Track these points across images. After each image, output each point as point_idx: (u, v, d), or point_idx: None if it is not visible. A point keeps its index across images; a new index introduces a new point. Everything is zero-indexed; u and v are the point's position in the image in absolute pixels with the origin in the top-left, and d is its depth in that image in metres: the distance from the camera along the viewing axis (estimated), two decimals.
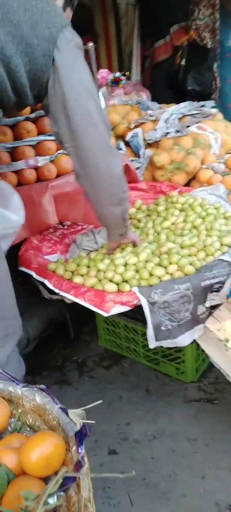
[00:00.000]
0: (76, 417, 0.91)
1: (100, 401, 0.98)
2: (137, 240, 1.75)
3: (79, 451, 0.84)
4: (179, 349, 1.86)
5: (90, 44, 2.37)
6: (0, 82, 1.15)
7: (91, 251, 2.02)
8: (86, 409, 0.94)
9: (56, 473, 0.87)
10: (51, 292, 1.59)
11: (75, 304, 1.56)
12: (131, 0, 4.43)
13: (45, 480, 0.84)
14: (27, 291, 1.84)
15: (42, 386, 0.98)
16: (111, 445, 1.66)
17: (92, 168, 1.34)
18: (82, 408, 0.93)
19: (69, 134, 1.27)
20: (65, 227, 2.10)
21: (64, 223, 2.10)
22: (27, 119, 1.69)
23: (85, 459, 0.84)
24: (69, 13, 1.52)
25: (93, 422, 0.89)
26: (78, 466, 0.82)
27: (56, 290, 1.56)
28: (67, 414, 0.93)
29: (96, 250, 1.99)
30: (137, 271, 1.59)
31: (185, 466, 1.55)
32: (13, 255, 1.83)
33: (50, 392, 0.98)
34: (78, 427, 0.89)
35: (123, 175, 1.48)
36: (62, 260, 1.75)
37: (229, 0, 3.21)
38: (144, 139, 2.56)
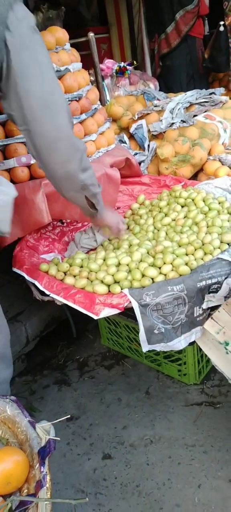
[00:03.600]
0: (44, 432, 0.88)
1: (68, 416, 0.94)
2: (113, 226, 1.71)
3: (42, 470, 0.80)
4: (180, 350, 1.79)
5: (91, 34, 2.30)
6: None
7: (90, 249, 1.98)
8: (56, 423, 0.91)
9: (20, 490, 0.84)
10: (43, 293, 1.56)
11: None
12: None
13: (6, 497, 0.81)
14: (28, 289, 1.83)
15: (13, 398, 0.95)
16: (107, 449, 1.62)
17: (46, 157, 1.25)
18: (52, 423, 0.89)
19: (21, 117, 1.20)
20: (65, 224, 2.07)
21: (63, 221, 2.06)
22: None
23: (48, 478, 0.80)
24: None
25: (58, 439, 0.85)
26: (39, 486, 0.78)
27: (47, 292, 1.53)
28: (35, 428, 0.89)
29: (95, 248, 1.95)
30: (130, 271, 1.53)
31: (180, 474, 1.49)
32: (11, 254, 1.82)
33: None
34: (43, 443, 0.85)
35: (84, 164, 1.35)
36: (56, 260, 1.72)
37: None
38: (149, 131, 2.47)
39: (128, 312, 1.52)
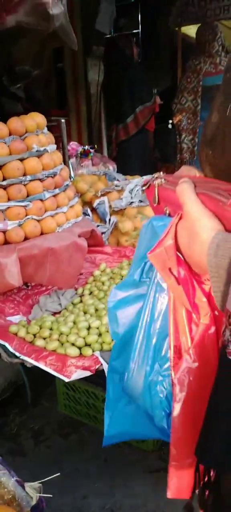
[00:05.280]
0: (33, 491, 0.88)
1: (58, 474, 0.96)
2: None
3: None
4: None
5: (63, 120, 2.55)
6: None
7: (55, 313, 2.02)
8: (42, 482, 0.92)
9: None
10: (12, 355, 1.56)
11: (34, 366, 1.52)
12: (100, 80, 4.83)
13: None
14: None
15: None
16: None
17: None
18: (39, 482, 0.91)
19: None
20: (30, 287, 2.10)
21: (28, 284, 2.10)
22: None
23: None
24: None
25: (50, 495, 0.86)
26: None
27: (17, 354, 1.53)
28: (23, 487, 0.89)
29: (60, 312, 2.00)
30: (100, 334, 1.61)
31: None
32: None
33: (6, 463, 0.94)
34: (34, 501, 0.86)
35: None
36: (24, 322, 1.73)
37: None
38: (110, 207, 2.68)
39: (89, 376, 1.56)
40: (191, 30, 5.04)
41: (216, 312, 0.58)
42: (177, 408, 0.56)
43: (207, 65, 3.69)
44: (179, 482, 0.60)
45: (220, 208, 0.55)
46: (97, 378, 1.66)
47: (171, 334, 0.63)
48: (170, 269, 0.60)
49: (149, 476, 1.77)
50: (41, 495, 0.86)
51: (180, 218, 0.60)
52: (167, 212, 0.67)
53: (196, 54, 3.84)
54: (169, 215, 0.67)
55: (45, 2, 2.39)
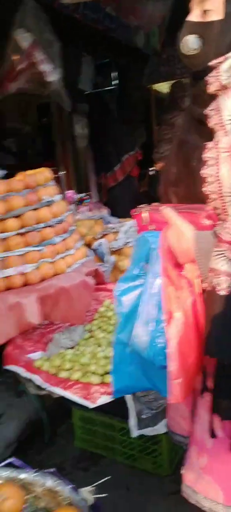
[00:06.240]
0: (88, 494, 0.99)
1: (109, 477, 1.07)
2: None
3: None
4: (155, 441, 1.95)
5: (61, 173, 2.81)
6: None
7: (68, 348, 2.14)
8: (95, 486, 1.03)
9: None
10: (38, 388, 1.67)
11: (50, 405, 1.60)
12: (86, 134, 5.18)
13: None
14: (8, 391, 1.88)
15: (52, 470, 1.06)
16: None
17: None
18: (92, 486, 1.02)
19: None
20: (43, 326, 2.23)
21: (41, 323, 2.22)
22: (18, 234, 1.94)
23: None
24: None
25: (106, 494, 0.97)
26: None
27: (45, 385, 1.64)
28: (79, 493, 1.00)
29: (73, 347, 2.12)
30: None
31: None
32: None
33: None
34: (91, 503, 0.97)
35: None
36: (45, 358, 1.85)
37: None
38: (108, 247, 2.89)
39: (105, 407, 1.66)
40: (162, 86, 5.57)
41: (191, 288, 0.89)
42: (171, 346, 0.86)
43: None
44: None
45: (194, 217, 0.90)
46: (112, 409, 1.77)
47: (164, 303, 0.89)
48: (168, 259, 0.90)
49: (168, 499, 1.85)
50: (97, 495, 0.97)
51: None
52: (152, 228, 0.98)
53: (169, 109, 4.23)
54: (154, 230, 0.97)
55: (42, 71, 2.71)
